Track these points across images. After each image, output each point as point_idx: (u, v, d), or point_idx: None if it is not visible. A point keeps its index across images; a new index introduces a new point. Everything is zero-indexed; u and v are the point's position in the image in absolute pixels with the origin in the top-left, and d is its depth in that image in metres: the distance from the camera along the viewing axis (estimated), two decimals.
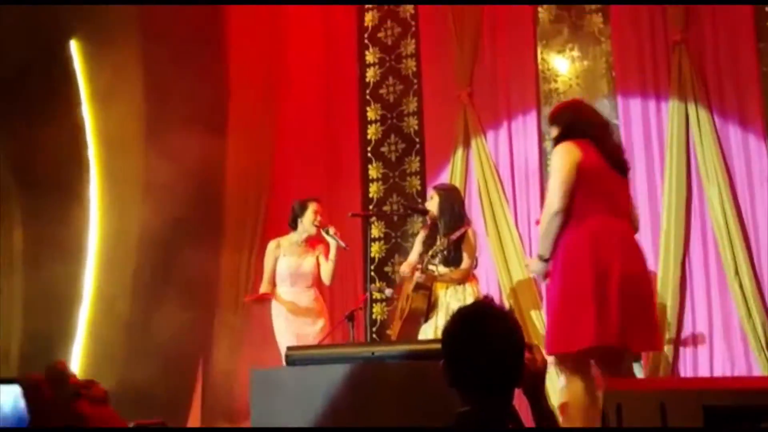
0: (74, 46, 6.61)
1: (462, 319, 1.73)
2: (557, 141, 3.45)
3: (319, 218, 4.92)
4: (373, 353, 3.11)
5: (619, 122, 5.76)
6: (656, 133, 5.60)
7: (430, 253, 4.45)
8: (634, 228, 3.87)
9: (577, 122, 3.45)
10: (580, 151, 3.31)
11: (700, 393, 2.31)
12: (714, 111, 5.42)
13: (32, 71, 6.26)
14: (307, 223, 4.93)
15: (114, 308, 6.34)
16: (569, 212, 3.30)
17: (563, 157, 3.32)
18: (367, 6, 6.86)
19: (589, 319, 3.14)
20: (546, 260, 3.39)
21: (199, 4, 6.35)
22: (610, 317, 3.13)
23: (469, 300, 4.53)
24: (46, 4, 5.95)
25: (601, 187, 3.33)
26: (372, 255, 6.27)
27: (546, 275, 3.48)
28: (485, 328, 1.66)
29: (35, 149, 6.12)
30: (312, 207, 4.96)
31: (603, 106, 5.92)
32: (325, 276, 4.93)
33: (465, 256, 4.54)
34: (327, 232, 4.90)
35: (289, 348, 3.26)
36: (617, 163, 3.40)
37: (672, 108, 5.49)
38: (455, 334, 1.71)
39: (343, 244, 4.87)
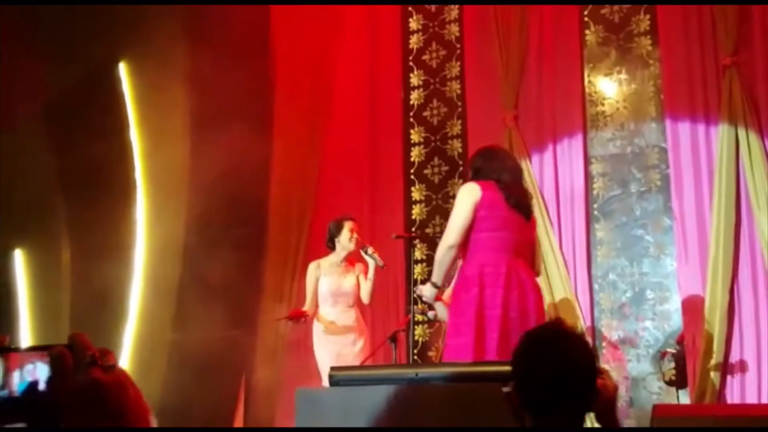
0: (123, 68, 6.80)
1: (535, 339, 1.71)
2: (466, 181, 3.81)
3: (355, 236, 4.95)
4: (417, 374, 3.10)
5: (667, 145, 5.69)
6: (705, 158, 5.52)
7: None
8: (536, 270, 3.99)
9: (486, 165, 3.74)
10: (480, 192, 3.62)
11: (750, 420, 2.28)
12: (765, 135, 5.33)
13: (82, 93, 6.45)
14: (345, 241, 4.96)
15: (158, 323, 6.46)
16: (466, 246, 3.63)
17: (463, 197, 3.65)
18: (412, 29, 6.90)
19: (468, 350, 3.47)
20: (437, 287, 3.81)
21: (248, 3, 6.44)
22: (485, 349, 3.45)
23: None
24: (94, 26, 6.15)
25: (498, 226, 3.59)
26: (415, 277, 6.27)
27: (435, 299, 3.91)
28: (558, 348, 1.63)
29: (84, 168, 6.28)
30: (348, 226, 4.99)
31: (651, 130, 5.88)
32: (364, 295, 4.94)
33: None
34: (365, 252, 4.92)
35: (332, 368, 3.27)
36: (519, 205, 3.67)
37: (722, 132, 5.41)
38: (528, 354, 1.68)
39: (381, 262, 4.88)
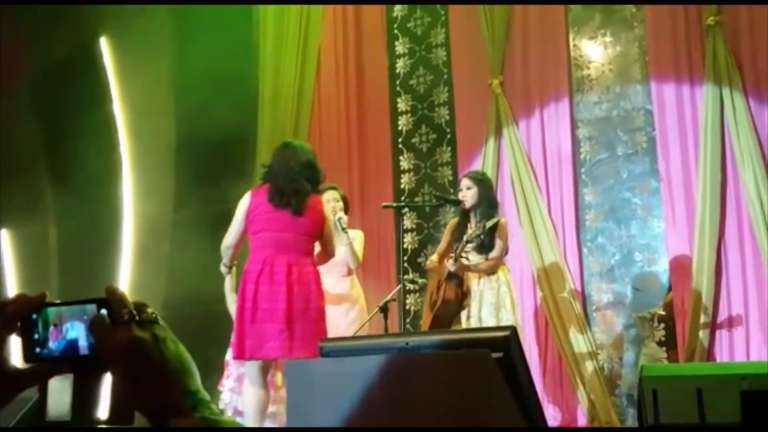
0: (104, 43, 6.73)
1: None
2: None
3: (332, 204, 4.87)
4: (407, 343, 3.11)
5: (653, 107, 5.70)
6: (690, 118, 5.54)
7: (465, 239, 4.44)
8: (328, 252, 4.33)
9: (268, 170, 4.21)
10: (249, 200, 4.15)
11: (739, 378, 2.31)
12: (749, 95, 5.35)
13: (64, 69, 6.39)
14: (327, 212, 4.91)
15: (147, 297, 6.46)
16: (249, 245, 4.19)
17: (238, 207, 4.21)
18: None
19: (237, 336, 4.07)
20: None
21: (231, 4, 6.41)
22: (243, 336, 4.01)
23: (503, 288, 4.54)
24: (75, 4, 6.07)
25: (261, 228, 4.08)
26: (404, 246, 6.29)
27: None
28: None
29: (69, 145, 6.24)
30: (325, 196, 4.94)
31: (636, 92, 5.88)
32: (349, 259, 4.88)
33: (498, 244, 4.53)
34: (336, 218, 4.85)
35: (322, 339, 3.29)
36: (284, 204, 4.07)
37: (706, 93, 5.42)
38: None
39: (342, 226, 4.73)
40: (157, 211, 6.49)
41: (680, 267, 5.43)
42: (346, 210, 5.06)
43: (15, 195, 6.26)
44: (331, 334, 4.50)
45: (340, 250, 4.91)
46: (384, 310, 4.64)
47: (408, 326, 5.99)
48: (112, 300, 0.87)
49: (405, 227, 6.43)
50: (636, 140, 5.84)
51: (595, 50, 6.06)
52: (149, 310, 0.88)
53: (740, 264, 5.28)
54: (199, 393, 0.85)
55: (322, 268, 4.89)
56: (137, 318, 0.86)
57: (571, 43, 6.11)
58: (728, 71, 5.36)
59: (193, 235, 6.19)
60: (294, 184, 4.12)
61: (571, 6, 6.12)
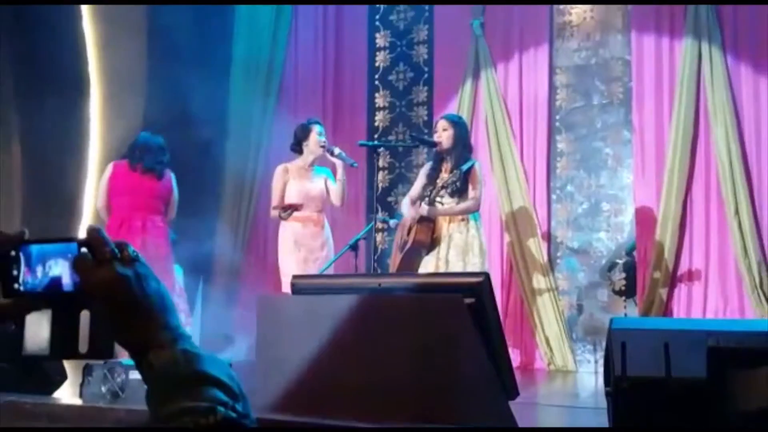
0: None
1: None
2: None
3: (323, 140, 4.85)
4: (380, 284, 3.12)
5: (631, 58, 5.69)
6: (668, 72, 5.55)
7: (440, 184, 4.43)
8: (171, 213, 5.23)
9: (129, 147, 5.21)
10: (112, 169, 5.12)
11: (706, 334, 2.36)
12: (727, 52, 5.37)
13: None
14: (313, 145, 4.85)
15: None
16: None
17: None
18: None
19: None
20: None
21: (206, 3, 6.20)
22: None
23: (472, 233, 4.56)
24: None
25: (125, 190, 4.98)
26: (377, 184, 6.26)
27: None
28: None
29: (34, 62, 6.03)
30: (315, 129, 4.88)
31: (616, 42, 5.85)
32: (336, 197, 4.85)
33: (471, 188, 4.53)
34: (332, 153, 4.83)
35: (294, 276, 3.27)
36: (145, 171, 5.03)
37: (686, 47, 5.43)
38: None
39: (351, 161, 4.80)
40: (126, 134, 6.34)
41: (646, 218, 5.51)
42: None
43: None
44: (306, 267, 4.50)
45: (317, 185, 4.87)
46: (355, 248, 4.64)
47: (375, 265, 6.01)
48: (94, 239, 0.88)
49: (378, 166, 6.38)
50: (612, 90, 5.85)
51: None
52: (130, 249, 0.89)
53: (704, 219, 5.38)
54: (179, 328, 0.87)
55: (297, 202, 4.84)
56: (119, 256, 0.88)
57: None
58: (709, 26, 5.36)
59: None
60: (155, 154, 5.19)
61: None
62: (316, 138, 4.84)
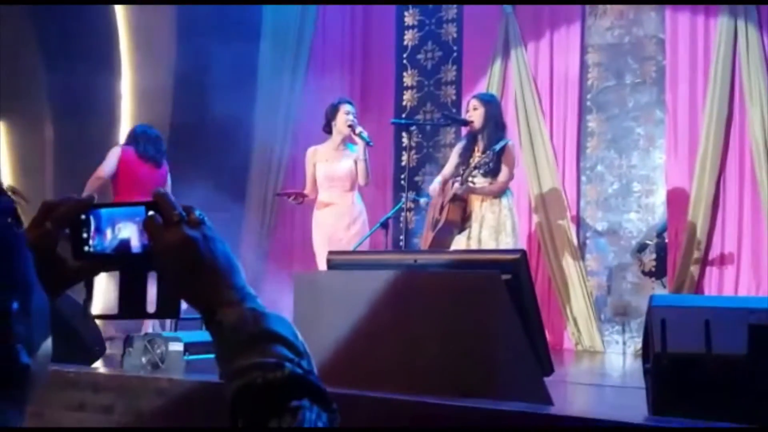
0: None
1: None
2: None
3: (351, 118, 4.85)
4: (416, 261, 3.13)
5: (665, 36, 5.62)
6: (702, 50, 5.47)
7: (472, 164, 4.42)
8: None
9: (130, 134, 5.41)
10: (121, 152, 5.19)
11: (746, 312, 2.34)
12: (764, 30, 5.27)
13: None
14: (341, 124, 4.87)
15: None
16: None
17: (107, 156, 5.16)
18: None
19: None
20: None
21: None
22: None
23: (504, 212, 4.55)
24: None
25: (131, 175, 5.12)
26: (403, 164, 6.26)
27: None
28: None
29: (67, 41, 6.07)
30: (343, 108, 4.89)
31: (650, 19, 5.78)
32: (361, 176, 4.87)
33: (504, 168, 4.52)
34: (354, 132, 4.84)
35: (331, 252, 3.29)
36: (148, 159, 5.18)
37: (721, 25, 5.34)
38: None
39: (368, 140, 4.80)
40: (154, 115, 6.38)
41: (678, 199, 5.46)
42: None
43: (13, 90, 6.14)
44: (332, 246, 4.52)
45: (344, 165, 4.88)
46: (385, 226, 4.65)
47: (403, 243, 6.02)
48: (162, 202, 0.90)
49: (405, 145, 6.37)
50: (645, 69, 5.78)
51: None
52: (197, 211, 0.91)
53: (738, 200, 5.32)
54: (245, 288, 0.89)
55: (325, 183, 4.89)
56: (186, 219, 0.90)
57: None
58: (745, 4, 5.26)
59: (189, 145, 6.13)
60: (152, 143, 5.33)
61: None
62: (343, 117, 4.84)
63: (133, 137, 5.31)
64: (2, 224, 0.72)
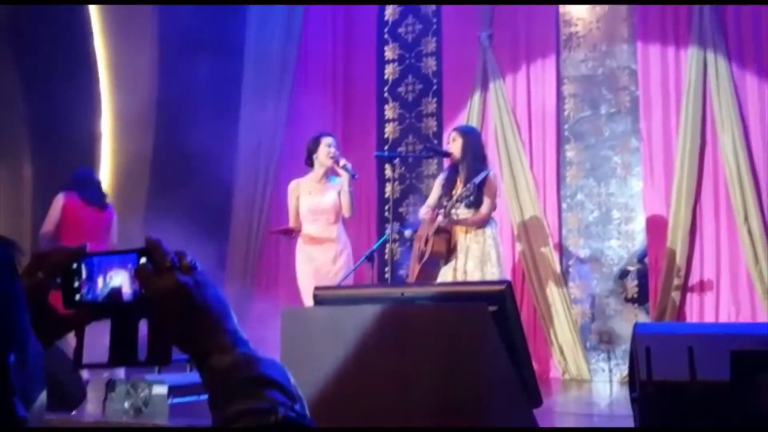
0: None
1: None
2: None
3: (332, 151, 4.90)
4: (402, 294, 3.16)
5: (637, 67, 5.75)
6: (674, 80, 5.61)
7: (454, 198, 4.48)
8: (114, 243, 5.30)
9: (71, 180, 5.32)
10: (63, 200, 5.16)
11: (729, 338, 2.40)
12: (732, 60, 5.42)
13: (51, 11, 6.18)
14: (322, 157, 4.91)
15: (123, 244, 6.42)
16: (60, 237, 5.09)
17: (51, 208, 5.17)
18: None
19: None
20: None
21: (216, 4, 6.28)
22: None
23: (489, 242, 4.61)
24: None
25: (76, 221, 5.12)
26: (386, 195, 6.32)
27: None
28: None
29: (47, 83, 6.08)
30: (325, 141, 4.94)
31: (622, 51, 5.91)
32: (345, 208, 4.91)
33: (486, 199, 4.58)
34: (338, 164, 4.89)
35: (317, 288, 3.31)
36: (92, 203, 5.20)
37: (691, 55, 5.49)
38: None
39: (352, 173, 4.85)
40: (134, 149, 6.40)
41: (656, 226, 5.56)
42: None
43: None
44: (318, 280, 4.53)
45: (328, 198, 4.92)
46: (370, 258, 4.68)
47: (389, 276, 6.05)
48: (153, 249, 0.90)
49: (388, 177, 6.44)
50: (619, 99, 5.91)
51: (583, 8, 6.07)
52: (189, 258, 0.91)
53: (715, 226, 5.42)
54: (237, 332, 0.89)
55: (309, 216, 4.92)
56: (178, 265, 0.90)
57: None
58: (713, 35, 5.42)
59: (171, 182, 6.15)
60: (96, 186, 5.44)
61: None
62: (325, 150, 4.89)
63: (76, 182, 5.36)
64: (1, 276, 0.72)
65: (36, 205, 6.51)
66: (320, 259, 4.84)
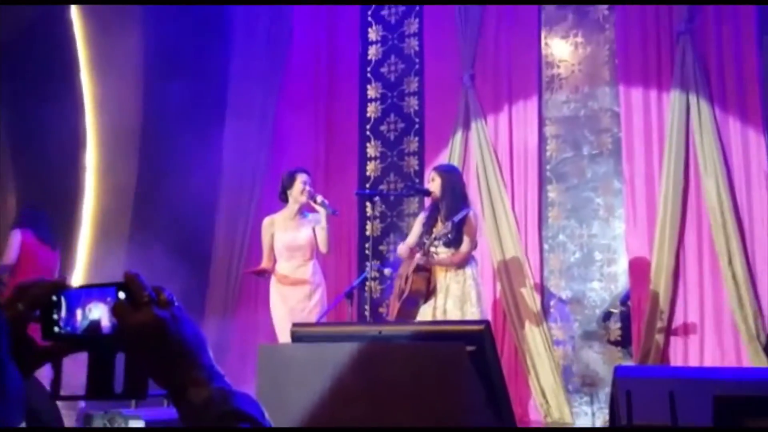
0: (74, 11, 6.53)
1: None
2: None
3: (307, 188, 4.88)
4: (380, 332, 3.11)
5: (620, 110, 5.78)
6: (656, 123, 5.63)
7: (433, 236, 4.45)
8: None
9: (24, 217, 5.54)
10: (21, 236, 5.33)
11: (711, 383, 2.35)
12: (715, 103, 5.45)
13: (30, 36, 6.17)
14: (296, 193, 4.90)
15: (106, 275, 6.31)
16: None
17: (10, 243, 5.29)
18: None
19: None
20: None
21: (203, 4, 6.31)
22: None
23: (469, 282, 4.56)
24: None
25: (31, 258, 5.28)
26: (367, 233, 6.28)
27: None
28: None
29: (33, 111, 6.05)
30: (300, 178, 4.92)
31: (604, 94, 5.95)
32: (321, 244, 4.89)
33: (465, 238, 4.55)
34: (314, 200, 4.87)
35: (295, 324, 3.26)
36: (47, 241, 5.40)
37: (673, 98, 5.51)
38: None
39: (331, 210, 4.83)
40: (118, 183, 6.34)
41: (639, 268, 5.52)
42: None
43: None
44: (293, 318, 4.47)
45: (304, 234, 4.87)
46: (350, 296, 4.62)
47: (368, 313, 5.98)
48: (131, 283, 0.91)
49: (369, 214, 6.40)
50: (602, 141, 5.92)
51: (566, 50, 6.12)
52: (166, 292, 0.93)
53: (698, 269, 5.39)
54: (213, 367, 0.91)
55: (285, 253, 4.88)
56: (156, 299, 0.92)
57: (543, 42, 6.15)
58: (696, 78, 5.46)
59: (153, 214, 6.09)
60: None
61: (545, 5, 6.15)
62: (300, 186, 4.88)
63: (31, 219, 5.46)
64: None
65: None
66: (294, 297, 4.79)
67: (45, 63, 6.15)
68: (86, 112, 6.43)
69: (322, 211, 4.85)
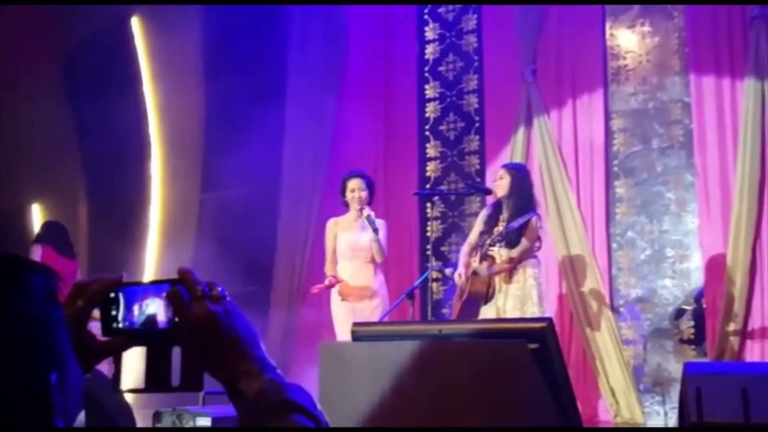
0: (135, 23, 6.70)
1: None
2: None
3: (356, 195, 4.83)
4: (440, 331, 3.06)
5: (690, 100, 5.58)
6: (730, 112, 5.40)
7: (488, 241, 4.38)
8: None
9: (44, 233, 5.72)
10: (41, 251, 5.42)
11: None
12: None
13: (95, 51, 6.37)
14: (349, 200, 4.91)
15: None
16: None
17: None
18: None
19: None
20: None
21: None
22: None
23: (530, 282, 4.47)
24: None
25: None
26: (429, 234, 6.22)
27: None
28: None
29: (100, 124, 6.24)
30: (349, 185, 4.91)
31: (674, 84, 5.75)
32: (375, 254, 4.86)
33: (524, 241, 4.47)
34: (362, 213, 4.80)
35: (355, 324, 3.25)
36: (65, 254, 5.51)
37: (747, 86, 5.28)
38: None
39: (374, 226, 4.71)
40: (184, 192, 6.48)
41: (714, 264, 5.30)
42: (371, 196, 4.98)
43: (47, 174, 6.29)
44: (356, 318, 4.46)
45: (366, 237, 4.85)
46: (411, 296, 4.58)
47: (431, 314, 5.93)
48: (185, 279, 0.95)
49: (429, 215, 6.34)
50: (672, 133, 5.72)
51: (632, 40, 5.93)
52: (219, 288, 0.96)
53: None
54: (265, 358, 0.94)
55: (348, 253, 4.86)
56: (210, 294, 0.95)
57: (608, 33, 5.98)
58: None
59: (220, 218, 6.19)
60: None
61: None
62: (349, 195, 4.88)
63: (51, 234, 5.70)
64: (45, 303, 0.79)
65: (92, 243, 6.64)
66: (356, 295, 4.78)
67: (110, 76, 6.32)
68: (149, 121, 6.58)
69: (367, 225, 4.77)
